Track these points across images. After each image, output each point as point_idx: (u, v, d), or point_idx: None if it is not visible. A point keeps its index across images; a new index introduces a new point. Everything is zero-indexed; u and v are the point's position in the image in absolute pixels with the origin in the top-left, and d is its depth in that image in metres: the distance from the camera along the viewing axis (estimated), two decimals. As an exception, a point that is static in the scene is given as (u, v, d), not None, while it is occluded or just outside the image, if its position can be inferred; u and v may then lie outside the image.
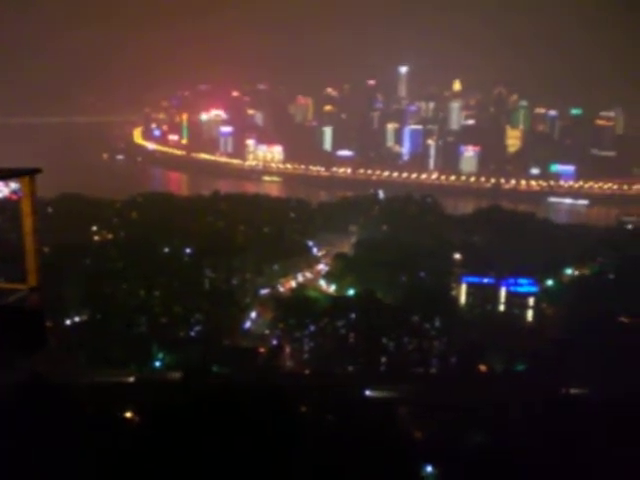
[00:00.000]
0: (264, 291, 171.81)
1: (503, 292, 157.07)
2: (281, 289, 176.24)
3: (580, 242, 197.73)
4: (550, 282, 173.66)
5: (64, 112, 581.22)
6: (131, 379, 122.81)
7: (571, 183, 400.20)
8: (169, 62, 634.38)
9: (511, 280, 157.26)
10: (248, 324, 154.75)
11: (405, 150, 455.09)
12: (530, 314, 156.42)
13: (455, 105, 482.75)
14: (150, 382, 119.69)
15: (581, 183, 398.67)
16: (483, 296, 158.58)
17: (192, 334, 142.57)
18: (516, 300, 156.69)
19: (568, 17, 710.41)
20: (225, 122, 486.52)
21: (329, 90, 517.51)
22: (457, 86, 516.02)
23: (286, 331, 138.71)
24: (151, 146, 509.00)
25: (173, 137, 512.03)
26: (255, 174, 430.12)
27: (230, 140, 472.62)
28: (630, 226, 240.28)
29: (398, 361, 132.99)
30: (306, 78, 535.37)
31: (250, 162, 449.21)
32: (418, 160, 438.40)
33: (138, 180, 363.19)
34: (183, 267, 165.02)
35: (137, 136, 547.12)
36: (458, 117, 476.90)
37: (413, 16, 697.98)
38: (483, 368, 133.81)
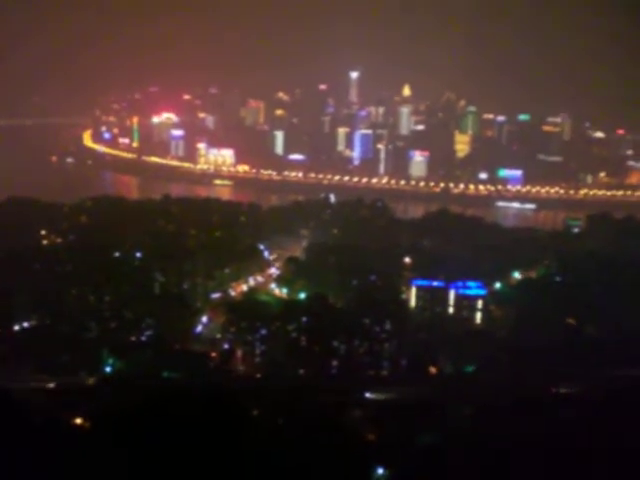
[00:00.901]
0: (215, 295, 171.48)
1: (452, 295, 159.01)
2: (233, 293, 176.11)
3: (527, 245, 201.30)
4: (498, 285, 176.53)
5: (10, 114, 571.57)
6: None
7: (519, 187, 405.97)
8: (120, 64, 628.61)
9: (460, 283, 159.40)
10: (199, 328, 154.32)
11: (356, 154, 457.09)
12: (479, 317, 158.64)
13: (405, 110, 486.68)
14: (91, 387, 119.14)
15: (528, 188, 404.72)
16: (433, 299, 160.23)
17: (143, 339, 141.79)
18: (465, 303, 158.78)
19: (514, 24, 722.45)
20: (176, 125, 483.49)
21: (280, 94, 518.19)
22: (407, 91, 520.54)
23: (237, 335, 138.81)
24: (101, 149, 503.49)
25: (124, 140, 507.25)
26: (206, 178, 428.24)
27: (181, 143, 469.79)
28: (576, 230, 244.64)
29: (349, 364, 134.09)
30: (257, 82, 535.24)
31: (201, 166, 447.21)
32: (368, 164, 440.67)
33: (88, 183, 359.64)
34: (133, 271, 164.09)
35: (87, 139, 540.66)
36: (408, 122, 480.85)
37: (364, 21, 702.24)
38: (433, 370, 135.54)
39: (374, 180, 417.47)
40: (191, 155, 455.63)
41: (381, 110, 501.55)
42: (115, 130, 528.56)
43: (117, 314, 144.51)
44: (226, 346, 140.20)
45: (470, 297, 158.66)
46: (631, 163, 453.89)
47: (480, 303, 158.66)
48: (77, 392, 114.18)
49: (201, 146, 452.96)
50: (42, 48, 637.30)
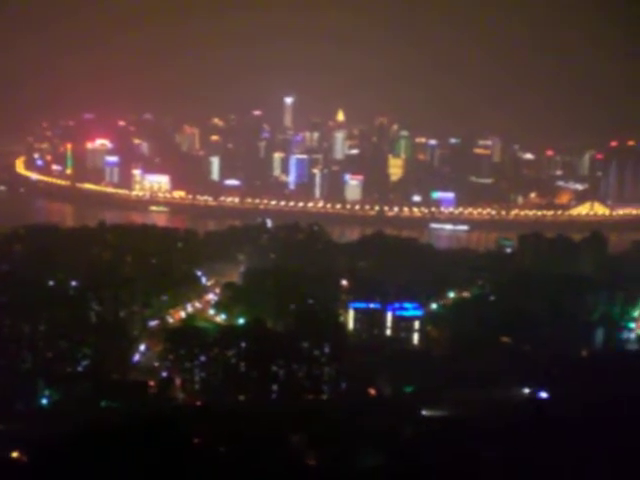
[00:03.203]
0: (153, 322, 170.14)
1: (389, 316, 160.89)
2: (170, 320, 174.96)
3: (462, 266, 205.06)
4: (434, 305, 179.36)
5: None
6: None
7: (451, 209, 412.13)
8: (53, 91, 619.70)
9: (397, 305, 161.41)
10: (137, 357, 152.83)
11: (291, 179, 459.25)
12: (416, 337, 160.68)
13: (339, 135, 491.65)
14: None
15: (461, 209, 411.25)
16: (370, 321, 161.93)
17: (79, 369, 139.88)
18: (402, 324, 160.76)
19: (441, 49, 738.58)
20: (111, 152, 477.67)
21: (215, 120, 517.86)
22: (340, 116, 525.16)
23: (176, 362, 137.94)
24: (34, 176, 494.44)
25: (57, 167, 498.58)
26: (142, 204, 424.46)
27: (116, 170, 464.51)
28: (509, 249, 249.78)
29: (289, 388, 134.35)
30: (192, 108, 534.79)
31: (137, 192, 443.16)
32: (304, 189, 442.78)
33: (21, 211, 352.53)
34: (68, 300, 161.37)
35: (19, 166, 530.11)
36: (342, 146, 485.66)
37: (296, 47, 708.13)
38: (372, 392, 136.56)
39: (310, 204, 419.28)
40: (126, 181, 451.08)
41: (316, 135, 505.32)
42: (48, 157, 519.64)
43: (52, 344, 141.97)
44: (165, 374, 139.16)
45: (407, 318, 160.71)
46: (560, 183, 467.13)
47: (417, 324, 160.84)
48: (13, 425, 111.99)
49: (136, 172, 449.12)
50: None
